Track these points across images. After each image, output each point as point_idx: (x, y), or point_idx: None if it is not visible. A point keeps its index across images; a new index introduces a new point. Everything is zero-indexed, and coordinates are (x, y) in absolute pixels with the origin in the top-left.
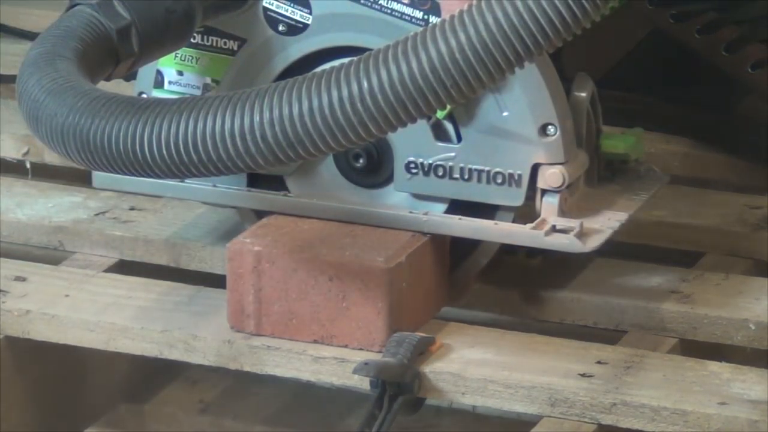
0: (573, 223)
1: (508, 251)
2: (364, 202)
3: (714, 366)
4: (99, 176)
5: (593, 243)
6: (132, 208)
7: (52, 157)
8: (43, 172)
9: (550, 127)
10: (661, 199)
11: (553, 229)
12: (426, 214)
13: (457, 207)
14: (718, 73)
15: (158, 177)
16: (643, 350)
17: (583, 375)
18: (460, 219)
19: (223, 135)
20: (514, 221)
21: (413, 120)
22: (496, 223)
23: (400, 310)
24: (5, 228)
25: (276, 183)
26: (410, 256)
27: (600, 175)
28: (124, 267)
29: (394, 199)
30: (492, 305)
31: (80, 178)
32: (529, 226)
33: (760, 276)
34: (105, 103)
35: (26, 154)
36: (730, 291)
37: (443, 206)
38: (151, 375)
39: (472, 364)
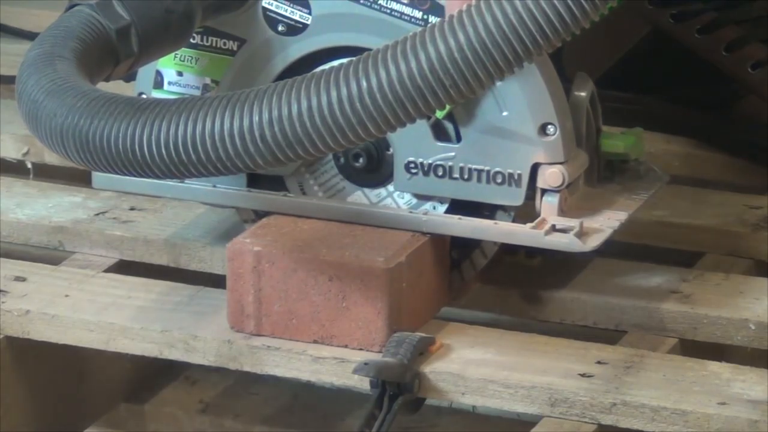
0: (573, 223)
1: (509, 251)
2: (364, 202)
3: (714, 366)
4: (99, 177)
5: (593, 242)
6: (132, 208)
7: (52, 157)
8: (43, 172)
9: (549, 126)
10: (661, 199)
11: (553, 229)
12: (426, 214)
13: (457, 207)
14: (718, 73)
15: (158, 177)
16: (643, 350)
17: (583, 375)
18: (459, 219)
19: (223, 135)
20: (513, 221)
21: (412, 120)
22: (496, 223)
23: (400, 310)
24: (5, 228)
25: (276, 183)
26: (410, 256)
27: (600, 174)
28: (124, 267)
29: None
30: (492, 305)
31: (80, 178)
32: (529, 225)
33: (760, 276)
34: (104, 103)
35: (26, 154)
36: (730, 291)
37: (443, 206)
38: (151, 375)
39: (472, 364)
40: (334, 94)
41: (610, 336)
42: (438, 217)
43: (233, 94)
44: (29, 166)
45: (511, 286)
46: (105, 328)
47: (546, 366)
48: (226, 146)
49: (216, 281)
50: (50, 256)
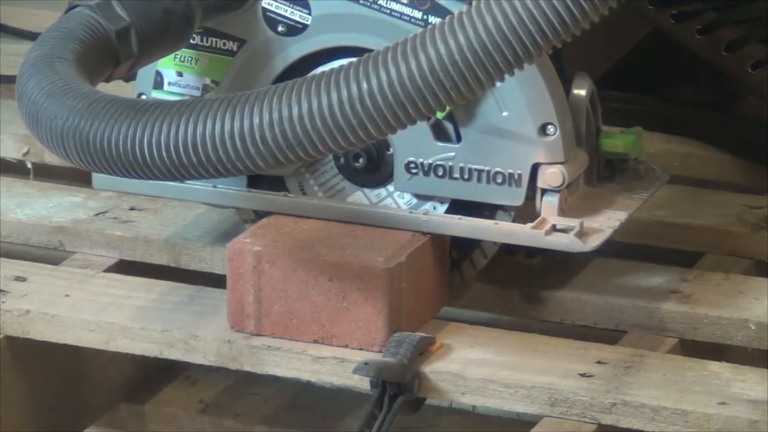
0: (573, 223)
1: (509, 251)
2: (364, 202)
3: (714, 366)
4: (98, 177)
5: (593, 242)
6: (132, 208)
7: (52, 158)
8: (43, 172)
9: (549, 126)
10: (661, 199)
11: (554, 229)
12: (426, 214)
13: (457, 207)
14: (718, 73)
15: (158, 179)
16: (643, 350)
17: (583, 375)
18: (460, 219)
19: (223, 137)
20: (513, 221)
21: (413, 122)
22: (496, 223)
23: (400, 310)
24: (5, 228)
25: (276, 183)
26: (410, 256)
27: (600, 174)
28: (124, 267)
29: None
30: (492, 305)
31: (80, 178)
32: (529, 225)
33: (760, 276)
34: (105, 105)
35: (26, 154)
36: (730, 291)
37: (443, 206)
38: (151, 375)
39: (472, 364)
40: (334, 95)
41: (610, 336)
42: (438, 217)
43: (234, 96)
44: (29, 166)
45: (511, 286)
46: (105, 327)
47: (546, 366)
48: (227, 148)
49: (216, 281)
50: (50, 256)
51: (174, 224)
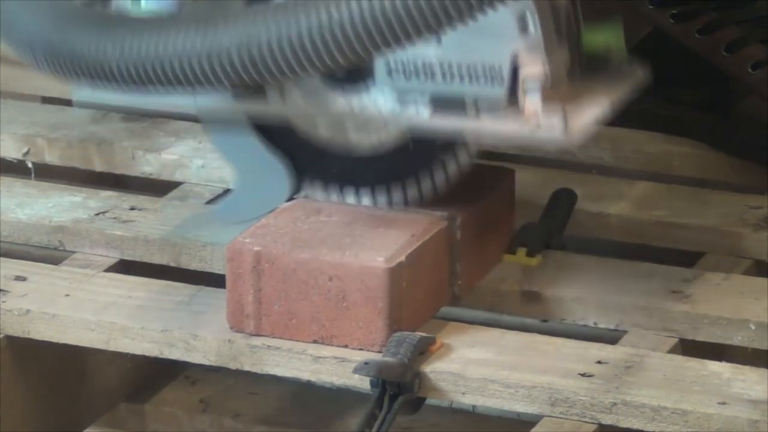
0: (557, 117)
1: (509, 251)
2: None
3: (714, 366)
4: (78, 94)
5: (578, 134)
6: (132, 208)
7: (52, 157)
8: (43, 172)
9: (529, 20)
10: (661, 199)
11: (538, 124)
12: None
13: (440, 111)
14: (718, 73)
15: (123, 89)
16: (643, 350)
17: (583, 375)
18: (443, 117)
19: (189, 56)
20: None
21: (380, 51)
22: (480, 121)
23: (400, 310)
24: (5, 228)
25: (257, 91)
26: (410, 256)
27: (581, 71)
28: (124, 267)
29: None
30: (492, 305)
31: (80, 178)
32: (514, 122)
33: (760, 276)
34: (76, 15)
35: (26, 154)
36: (730, 291)
37: (426, 111)
38: (151, 375)
39: (472, 364)
40: (303, 22)
41: (610, 336)
42: (422, 117)
43: (204, 15)
44: (30, 165)
45: (511, 286)
46: (105, 327)
47: (546, 366)
48: (193, 65)
49: (216, 281)
50: (51, 255)
51: (174, 224)
